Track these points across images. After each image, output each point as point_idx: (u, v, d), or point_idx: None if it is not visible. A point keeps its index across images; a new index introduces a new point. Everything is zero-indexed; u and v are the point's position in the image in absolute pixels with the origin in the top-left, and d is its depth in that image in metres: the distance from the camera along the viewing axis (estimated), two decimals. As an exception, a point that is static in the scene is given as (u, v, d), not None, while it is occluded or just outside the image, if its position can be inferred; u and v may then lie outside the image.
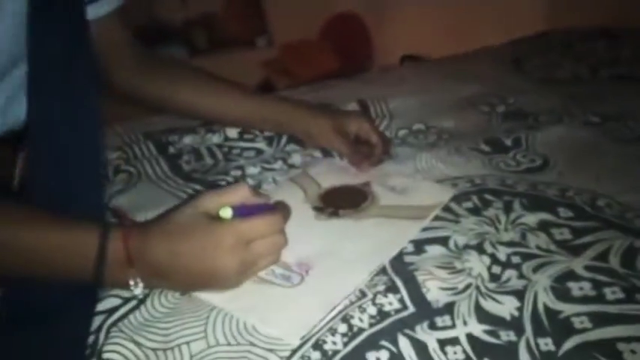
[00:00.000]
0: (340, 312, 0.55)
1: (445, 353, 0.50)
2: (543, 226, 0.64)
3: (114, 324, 0.54)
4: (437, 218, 0.67)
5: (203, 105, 0.86)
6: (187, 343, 0.52)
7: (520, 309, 0.54)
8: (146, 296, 0.57)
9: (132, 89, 0.86)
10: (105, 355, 0.51)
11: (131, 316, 0.55)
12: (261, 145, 0.86)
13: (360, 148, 0.81)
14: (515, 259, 0.60)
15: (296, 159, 0.83)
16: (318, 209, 0.71)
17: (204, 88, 0.86)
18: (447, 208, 0.69)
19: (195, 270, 0.55)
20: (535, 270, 0.58)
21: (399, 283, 0.57)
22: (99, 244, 0.54)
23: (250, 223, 0.55)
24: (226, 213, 0.55)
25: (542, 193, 0.71)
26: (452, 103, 0.98)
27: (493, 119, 0.93)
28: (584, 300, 0.54)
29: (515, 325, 0.52)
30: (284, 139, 0.87)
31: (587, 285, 0.56)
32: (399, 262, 0.61)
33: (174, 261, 0.54)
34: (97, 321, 0.55)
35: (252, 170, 0.80)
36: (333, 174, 0.79)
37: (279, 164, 0.81)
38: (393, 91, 1.02)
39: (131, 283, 0.55)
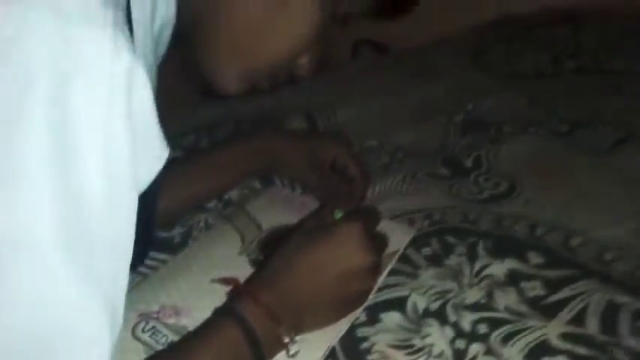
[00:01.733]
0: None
1: None
2: (513, 279, 0.56)
3: None
4: (392, 272, 0.58)
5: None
6: None
7: (492, 400, 0.46)
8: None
9: None
10: None
11: None
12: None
13: (333, 181, 0.69)
14: (482, 328, 0.52)
15: (232, 194, 0.72)
16: (258, 264, 0.61)
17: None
18: (403, 257, 0.60)
19: (333, 276, 0.50)
20: (505, 341, 0.50)
21: (351, 373, 0.49)
22: (242, 329, 0.46)
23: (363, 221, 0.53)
24: (341, 213, 0.55)
25: (509, 231, 0.63)
26: (409, 108, 0.88)
27: (451, 131, 0.84)
28: (562, 383, 0.47)
29: None
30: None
31: (563, 361, 0.48)
32: (350, 340, 0.52)
33: (312, 280, 0.50)
34: None
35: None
36: (276, 209, 0.69)
37: (212, 202, 0.71)
38: (342, 95, 0.92)
39: (286, 340, 0.48)
